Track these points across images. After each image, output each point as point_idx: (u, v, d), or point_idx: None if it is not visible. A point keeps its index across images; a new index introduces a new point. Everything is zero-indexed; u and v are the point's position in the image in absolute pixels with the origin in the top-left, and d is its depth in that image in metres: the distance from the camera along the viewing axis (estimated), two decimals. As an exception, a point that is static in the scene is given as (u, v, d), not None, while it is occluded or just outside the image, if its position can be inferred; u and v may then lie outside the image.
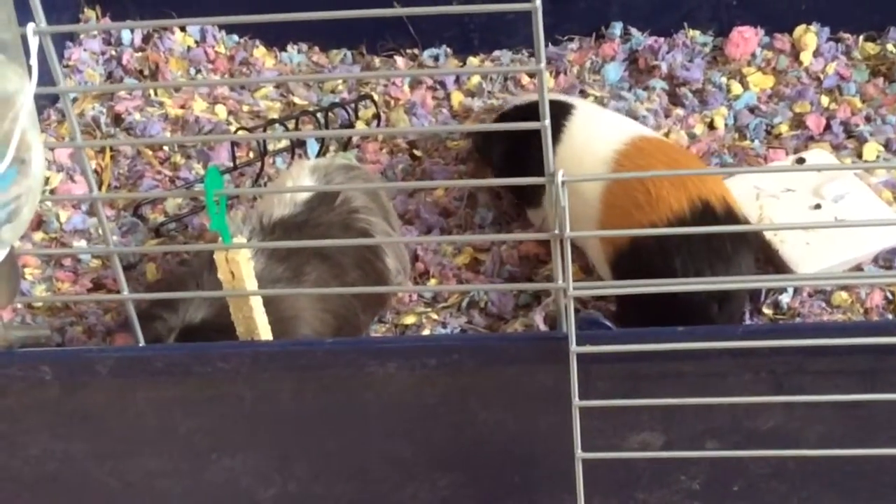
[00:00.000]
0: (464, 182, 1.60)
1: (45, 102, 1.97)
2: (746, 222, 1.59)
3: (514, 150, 1.67)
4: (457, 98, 1.98)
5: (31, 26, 0.97)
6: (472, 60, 2.05)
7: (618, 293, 1.46)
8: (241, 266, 1.16)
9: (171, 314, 1.38)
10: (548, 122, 1.01)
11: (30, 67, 0.96)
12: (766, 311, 1.56)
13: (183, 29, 2.08)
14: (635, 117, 1.83)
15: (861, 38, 1.99)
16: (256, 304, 1.21)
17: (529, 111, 1.66)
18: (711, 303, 1.45)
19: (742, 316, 1.54)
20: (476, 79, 2.00)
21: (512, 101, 1.83)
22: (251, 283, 1.19)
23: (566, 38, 2.04)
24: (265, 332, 1.24)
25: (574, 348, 1.10)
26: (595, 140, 1.60)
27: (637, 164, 1.55)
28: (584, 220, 1.54)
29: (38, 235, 1.76)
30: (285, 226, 1.50)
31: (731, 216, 1.50)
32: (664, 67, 1.96)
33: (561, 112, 1.65)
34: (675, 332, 1.15)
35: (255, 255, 1.42)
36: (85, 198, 1.62)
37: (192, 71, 2.05)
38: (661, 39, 2.01)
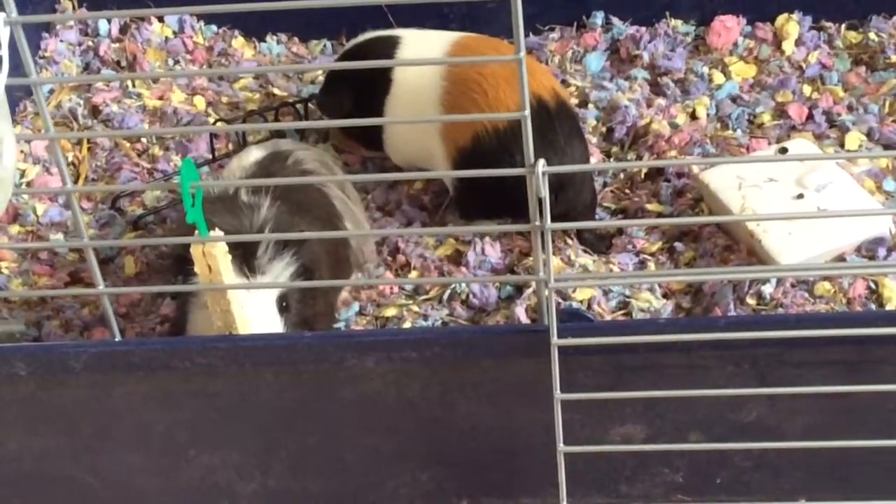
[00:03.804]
0: (432, 174, 1.61)
1: (21, 94, 1.95)
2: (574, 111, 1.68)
3: (358, 104, 1.70)
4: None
5: (1, 16, 0.95)
6: (453, 50, 2.04)
7: (599, 284, 1.45)
8: (217, 260, 1.14)
9: None
10: (528, 111, 1.00)
11: (0, 58, 0.94)
12: (750, 300, 1.56)
13: (161, 19, 2.06)
14: (617, 107, 1.82)
15: (843, 26, 1.98)
16: (234, 297, 1.20)
17: (369, 47, 1.74)
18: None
19: (588, 203, 1.62)
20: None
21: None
22: (228, 277, 1.17)
23: (547, 27, 2.03)
24: (243, 326, 1.22)
25: (555, 341, 1.09)
26: (427, 56, 1.68)
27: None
28: (424, 124, 1.63)
29: (15, 228, 1.74)
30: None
31: (565, 109, 1.60)
32: (646, 57, 1.95)
33: (388, 46, 1.72)
34: (656, 323, 1.14)
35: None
36: (58, 191, 1.60)
37: (171, 62, 2.03)
38: (643, 29, 1.99)
